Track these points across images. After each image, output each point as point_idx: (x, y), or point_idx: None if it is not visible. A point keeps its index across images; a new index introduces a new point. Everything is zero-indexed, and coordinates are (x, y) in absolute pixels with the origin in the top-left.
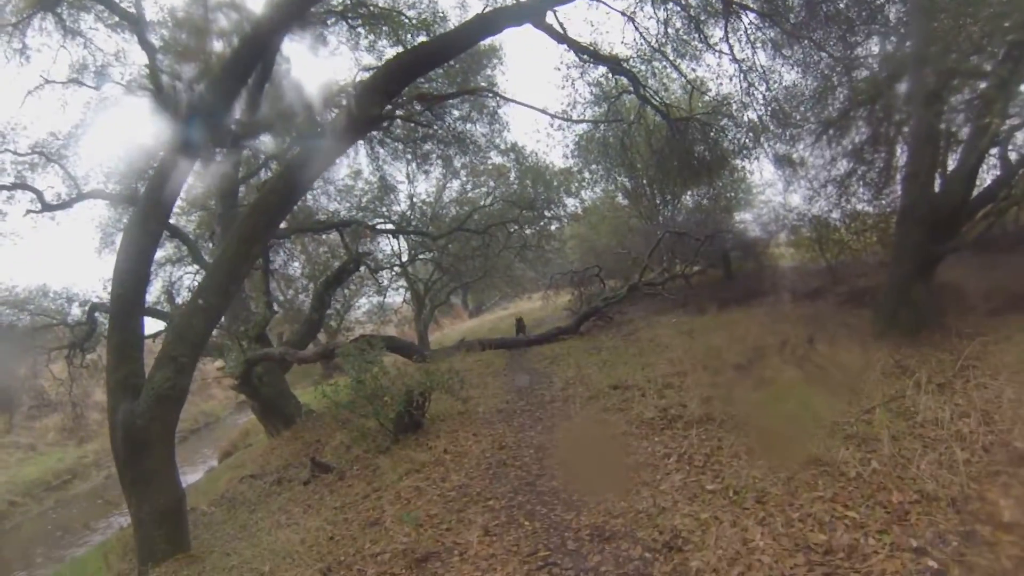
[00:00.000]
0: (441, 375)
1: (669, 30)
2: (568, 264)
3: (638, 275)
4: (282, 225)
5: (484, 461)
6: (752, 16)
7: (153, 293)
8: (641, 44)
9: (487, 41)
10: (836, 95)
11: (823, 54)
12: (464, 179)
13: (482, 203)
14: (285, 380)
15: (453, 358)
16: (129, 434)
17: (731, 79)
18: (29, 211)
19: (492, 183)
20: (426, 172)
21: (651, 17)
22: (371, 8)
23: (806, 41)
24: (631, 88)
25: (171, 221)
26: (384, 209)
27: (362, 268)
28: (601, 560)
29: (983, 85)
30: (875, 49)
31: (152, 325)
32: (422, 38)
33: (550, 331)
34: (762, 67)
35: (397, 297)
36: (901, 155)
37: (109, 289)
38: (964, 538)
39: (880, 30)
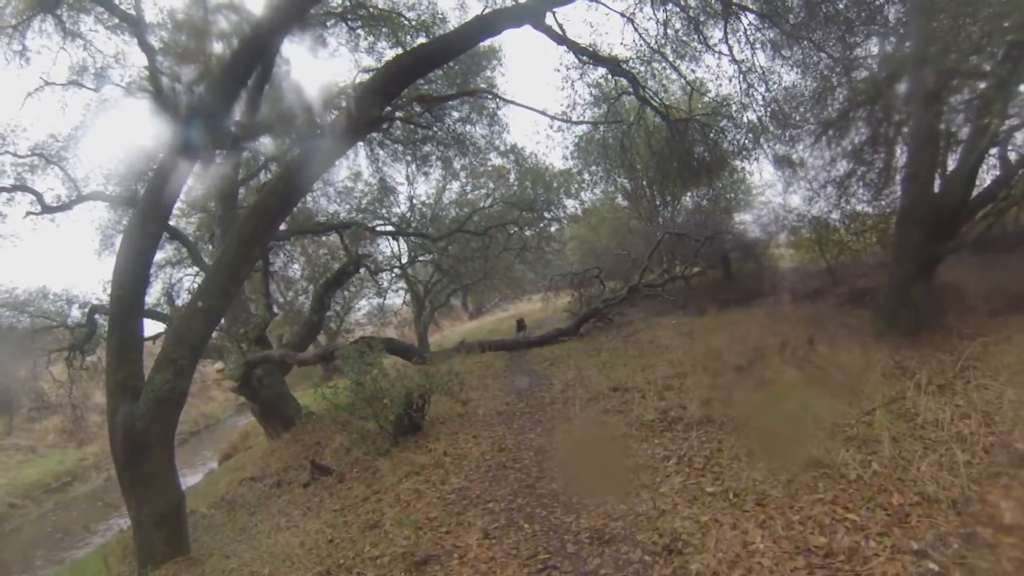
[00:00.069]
0: (441, 377)
1: (668, 31)
2: (568, 265)
3: (638, 276)
4: (282, 227)
5: (484, 463)
6: (751, 17)
7: (153, 295)
8: (640, 45)
9: (487, 42)
10: (836, 96)
11: (822, 55)
12: (464, 181)
13: (482, 205)
14: (285, 382)
15: (453, 360)
16: (129, 436)
17: (730, 80)
18: (29, 213)
19: (492, 185)
20: (426, 174)
21: (650, 18)
22: (370, 10)
23: (805, 42)
24: (631, 89)
25: (171, 223)
26: (384, 211)
27: (362, 270)
28: (601, 563)
29: (982, 85)
30: (874, 49)
31: (152, 327)
32: (421, 40)
33: (550, 333)
34: (761, 68)
35: (397, 299)
36: (901, 155)
37: (109, 291)
38: (965, 540)
39: (879, 30)
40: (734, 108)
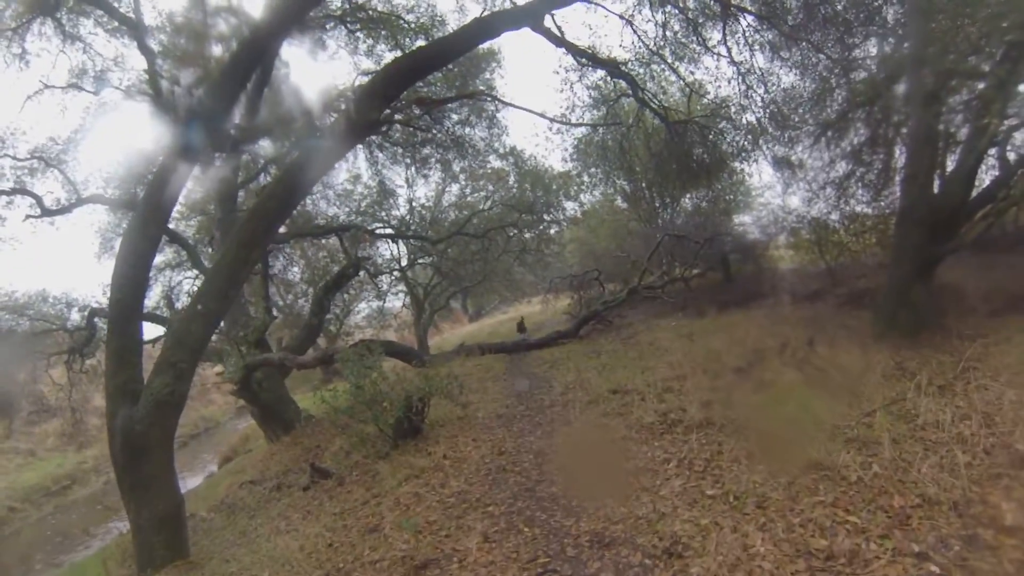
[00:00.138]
0: (440, 380)
1: (667, 33)
2: (567, 268)
3: (637, 278)
4: (281, 230)
5: (483, 467)
6: (750, 18)
7: (153, 298)
8: (639, 47)
9: (486, 45)
10: (834, 97)
11: (821, 56)
12: (463, 183)
13: (481, 207)
14: (284, 385)
15: (452, 363)
16: (128, 440)
17: (729, 81)
18: (28, 216)
19: (491, 187)
20: (425, 176)
21: (649, 20)
22: (370, 12)
23: (804, 43)
24: (630, 91)
25: (170, 226)
26: (383, 213)
27: (361, 273)
28: (601, 567)
29: (981, 86)
30: (873, 50)
31: (152, 330)
32: (421, 42)
33: (550, 335)
34: (760, 69)
35: (396, 302)
36: (900, 156)
37: (108, 294)
38: (966, 542)
39: (878, 31)
40: (733, 110)
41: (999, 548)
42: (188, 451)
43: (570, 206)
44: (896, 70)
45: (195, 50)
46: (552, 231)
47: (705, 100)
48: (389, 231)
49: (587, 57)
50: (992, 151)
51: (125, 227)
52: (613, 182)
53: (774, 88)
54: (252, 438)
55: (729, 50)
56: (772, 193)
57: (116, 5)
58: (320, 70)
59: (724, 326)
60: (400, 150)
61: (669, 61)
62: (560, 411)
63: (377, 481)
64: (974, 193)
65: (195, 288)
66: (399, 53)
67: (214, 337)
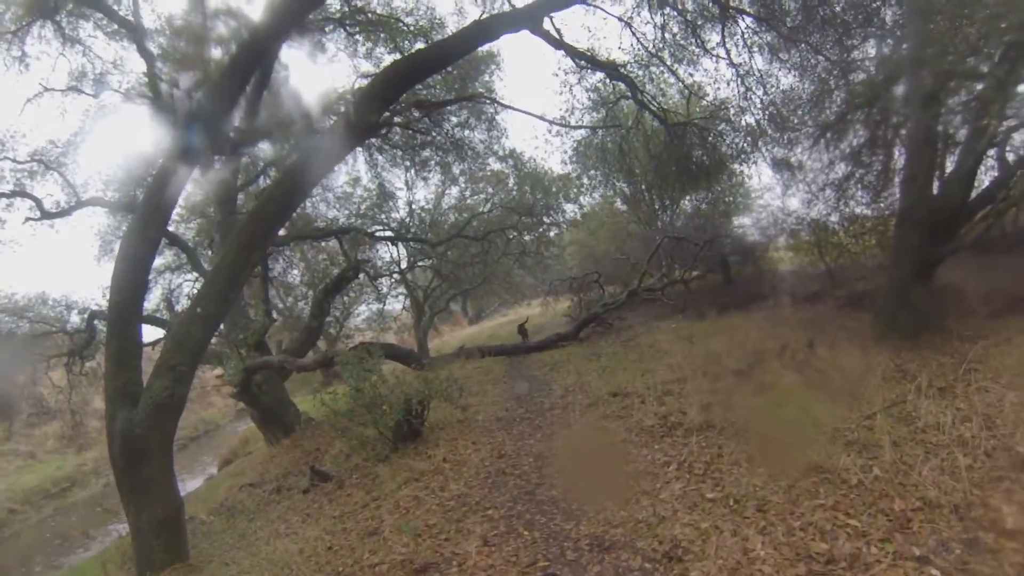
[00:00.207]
0: (440, 383)
1: (666, 35)
2: (567, 270)
3: (637, 281)
4: (281, 232)
5: (483, 470)
6: (749, 20)
7: (152, 301)
8: (638, 49)
9: (485, 47)
10: (833, 98)
11: (820, 57)
12: (463, 186)
13: (481, 210)
14: (284, 388)
15: (452, 365)
16: (127, 443)
17: (728, 83)
18: (28, 219)
19: (491, 189)
20: (425, 179)
21: (648, 22)
22: (369, 15)
23: (803, 45)
24: (629, 93)
25: (170, 228)
26: (383, 216)
27: (361, 275)
28: (601, 570)
29: (980, 87)
30: (872, 52)
31: (152, 333)
32: (420, 45)
33: (549, 337)
34: (759, 71)
35: (396, 304)
36: (899, 158)
37: (108, 297)
38: (967, 546)
39: (877, 33)
40: (732, 111)
41: (1000, 551)
42: (188, 453)
43: (570, 208)
44: (895, 71)
45: (194, 53)
46: (552, 233)
47: (704, 102)
48: (389, 234)
49: (586, 59)
50: (991, 152)
51: (124, 230)
52: (613, 184)
53: (773, 90)
54: (252, 441)
55: (728, 52)
56: (771, 195)
57: (115, 8)
58: (319, 73)
59: (724, 328)
60: (400, 153)
61: (668, 63)
62: (560, 414)
63: (377, 484)
64: (973, 194)
65: (195, 291)
66: (398, 56)
67: (214, 340)
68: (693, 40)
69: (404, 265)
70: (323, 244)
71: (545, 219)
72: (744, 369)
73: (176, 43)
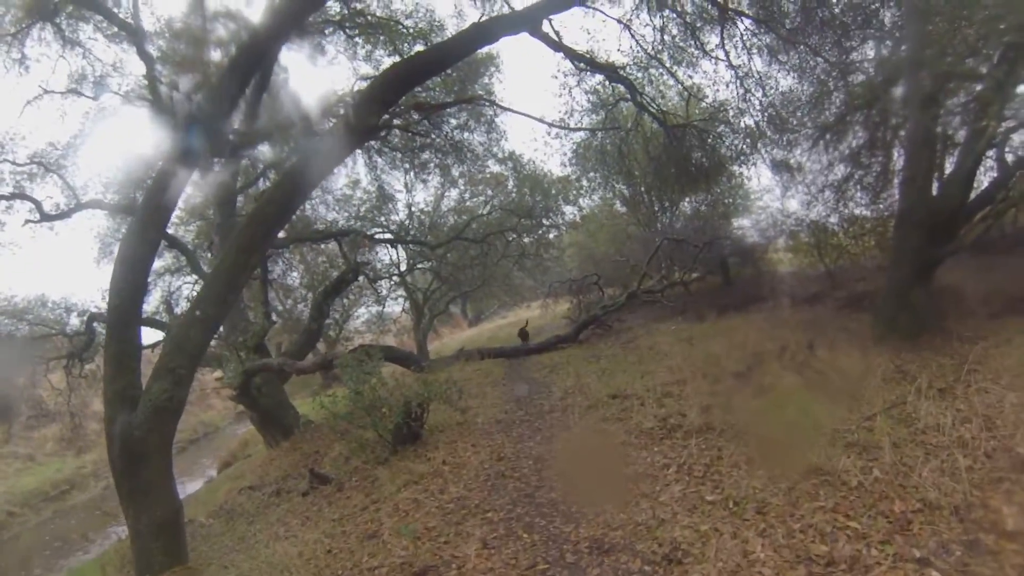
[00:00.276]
0: (439, 385)
1: (665, 37)
2: (567, 272)
3: (637, 283)
4: (280, 235)
5: (483, 472)
6: (748, 22)
7: (152, 303)
8: (637, 51)
9: (484, 50)
10: (832, 100)
11: (819, 59)
12: (462, 188)
13: (480, 212)
14: (284, 391)
15: (452, 368)
16: (126, 446)
17: (727, 85)
18: (28, 221)
19: (490, 192)
20: (424, 181)
21: (647, 24)
22: (368, 18)
23: (802, 46)
24: (628, 95)
25: (170, 231)
26: (382, 218)
27: (361, 278)
28: (600, 573)
29: (979, 88)
30: (871, 53)
31: (151, 335)
32: (419, 47)
33: (549, 340)
34: (758, 73)
35: (396, 307)
36: (898, 159)
37: (107, 299)
38: (967, 547)
39: (875, 34)
40: (731, 113)
41: (1000, 553)
42: (187, 456)
43: (569, 210)
44: (894, 73)
45: (194, 55)
46: (551, 235)
47: (703, 104)
48: (388, 236)
49: (585, 61)
50: (990, 153)
51: (124, 232)
52: (612, 186)
53: (772, 91)
54: (251, 443)
55: (727, 54)
56: (771, 196)
57: (115, 11)
58: (319, 75)
59: (724, 330)
60: (399, 155)
61: (667, 65)
62: (559, 416)
63: (376, 487)
64: (973, 195)
65: (194, 293)
66: (398, 58)
67: (213, 342)
68: (692, 42)
69: (404, 267)
70: (322, 246)
71: (544, 221)
72: (744, 371)
73: (176, 45)
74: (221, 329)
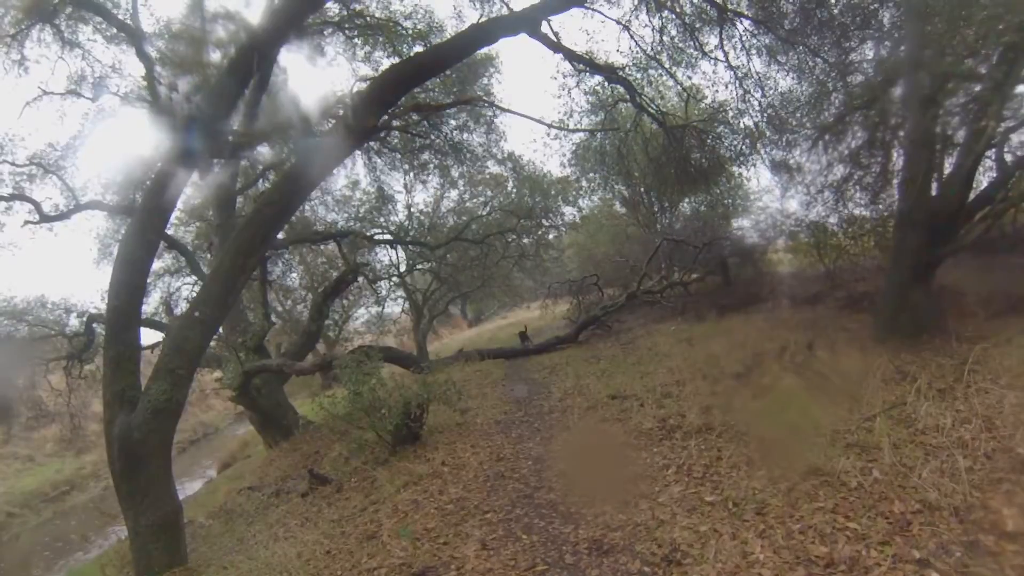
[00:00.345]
0: (439, 386)
1: (664, 38)
2: (566, 273)
3: (636, 283)
4: (280, 236)
5: (482, 473)
6: (747, 23)
7: (151, 304)
8: (637, 52)
9: (483, 50)
10: (831, 100)
11: (818, 60)
12: (462, 189)
13: (480, 213)
14: (283, 391)
15: (451, 368)
16: (125, 447)
17: (727, 86)
18: (27, 222)
19: (490, 192)
20: (424, 182)
21: (646, 25)
22: (368, 19)
23: (801, 47)
24: (627, 96)
25: (169, 232)
26: (382, 219)
27: (360, 278)
28: (599, 574)
29: (978, 88)
30: (870, 54)
31: (151, 336)
32: (418, 48)
33: (549, 340)
34: (757, 73)
35: (395, 307)
36: (898, 159)
37: (106, 300)
38: (967, 548)
39: (874, 35)
40: (731, 114)
41: (1000, 554)
42: (187, 457)
43: (569, 211)
44: (893, 73)
45: (193, 56)
46: (551, 236)
47: (703, 104)
48: (388, 237)
49: (584, 62)
50: (990, 153)
51: (123, 233)
52: (611, 187)
53: (771, 92)
54: (251, 444)
55: (726, 54)
56: (770, 197)
57: (114, 12)
58: (318, 76)
59: (723, 330)
60: (398, 156)
61: (666, 66)
62: (559, 417)
63: (375, 488)
64: (972, 195)
65: (194, 294)
66: (397, 59)
67: (213, 343)
68: (691, 43)
69: (403, 268)
70: (322, 247)
71: (544, 222)
72: (743, 371)
73: (175, 46)
74: (220, 330)
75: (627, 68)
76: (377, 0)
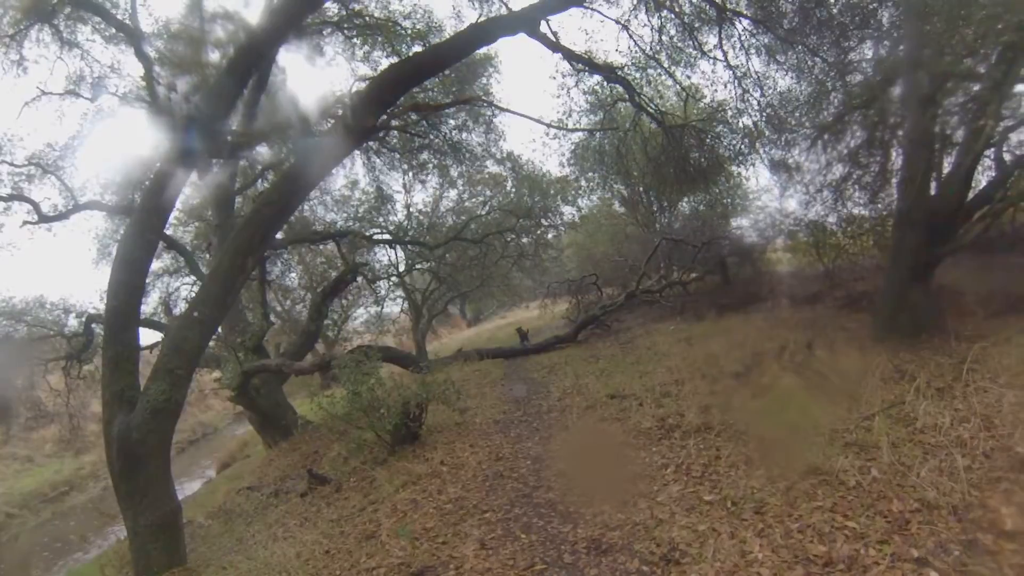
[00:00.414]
0: (438, 386)
1: (663, 38)
2: (565, 272)
3: (635, 283)
4: (279, 236)
5: (481, 473)
6: (746, 23)
7: (150, 304)
8: (635, 52)
9: (482, 50)
10: (830, 100)
11: (817, 59)
12: (461, 188)
13: (479, 212)
14: (282, 391)
15: (450, 368)
16: (124, 447)
17: (726, 86)
18: (26, 222)
19: (489, 192)
20: (423, 182)
21: (645, 25)
22: (367, 19)
23: (800, 47)
24: (626, 96)
25: (168, 232)
26: (381, 219)
27: (359, 278)
28: (598, 573)
29: (977, 87)
30: (869, 53)
31: (149, 336)
32: (417, 48)
33: (548, 340)
34: (756, 73)
35: (395, 307)
36: (897, 159)
37: (105, 300)
38: (966, 547)
39: (873, 34)
40: (730, 113)
41: (999, 553)
42: (186, 457)
43: (568, 211)
44: (892, 73)
45: (192, 56)
46: (550, 236)
47: (702, 104)
48: (387, 236)
49: (583, 62)
50: (988, 152)
51: (122, 233)
52: (610, 187)
53: (770, 91)
54: (250, 444)
55: (725, 54)
56: (769, 196)
57: (113, 12)
58: (317, 76)
59: (722, 330)
60: (397, 155)
61: (665, 65)
62: (558, 416)
63: (374, 488)
64: (971, 195)
65: (192, 294)
66: (396, 59)
67: (212, 343)
68: (690, 42)
69: (402, 268)
70: (321, 247)
71: (543, 221)
72: (742, 371)
73: (174, 47)
74: (219, 330)
75: (626, 67)
76: (376, 0)
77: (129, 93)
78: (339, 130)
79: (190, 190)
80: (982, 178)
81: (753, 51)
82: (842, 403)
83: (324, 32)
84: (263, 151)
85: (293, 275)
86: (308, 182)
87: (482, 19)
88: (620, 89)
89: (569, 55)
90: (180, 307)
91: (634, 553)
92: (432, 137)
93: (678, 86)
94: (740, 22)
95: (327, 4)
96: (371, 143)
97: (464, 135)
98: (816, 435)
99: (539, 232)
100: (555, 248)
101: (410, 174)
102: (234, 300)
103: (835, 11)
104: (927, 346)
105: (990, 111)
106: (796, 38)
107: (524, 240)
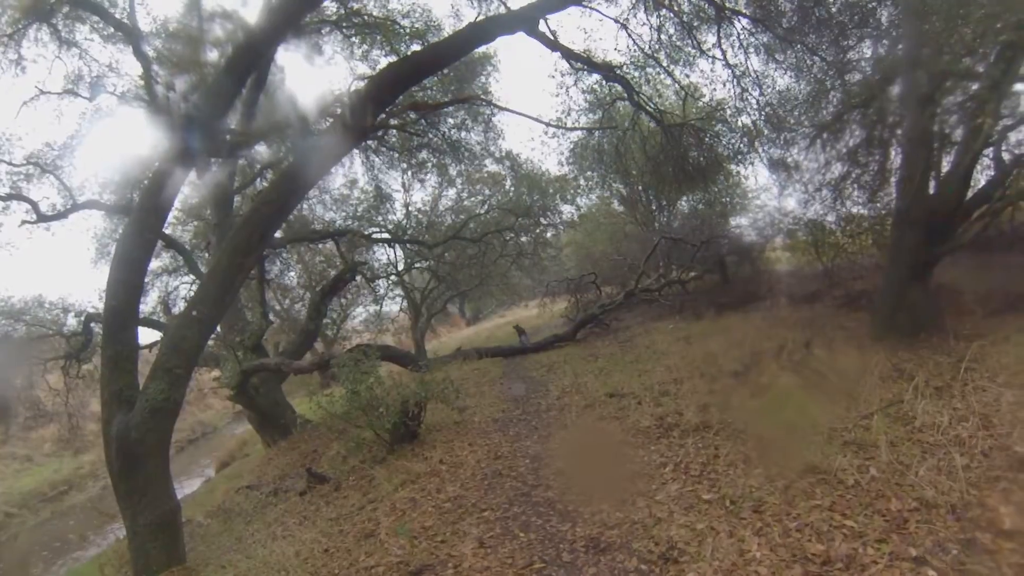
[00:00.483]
0: (437, 385)
1: (662, 36)
2: (564, 271)
3: (634, 281)
4: (278, 234)
5: (479, 471)
6: (745, 21)
7: (149, 303)
8: (634, 51)
9: (481, 49)
10: (829, 99)
11: (816, 58)
12: (460, 187)
13: (478, 211)
14: (281, 390)
15: (449, 367)
16: (123, 446)
17: (724, 84)
18: (24, 222)
19: (488, 191)
20: (421, 181)
21: (644, 24)
22: (365, 17)
23: (799, 46)
24: (625, 95)
25: (167, 231)
26: (380, 218)
27: (358, 277)
28: (596, 572)
29: (976, 86)
30: (868, 52)
31: (148, 336)
32: (416, 47)
33: (547, 339)
34: (755, 72)
35: (394, 306)
36: (895, 157)
37: (104, 300)
38: (964, 546)
39: (872, 33)
40: (728, 112)
41: (997, 552)
42: (185, 456)
43: (567, 210)
44: (891, 72)
45: (190, 55)
46: (549, 235)
47: (700, 103)
48: (386, 235)
49: (582, 61)
50: (987, 151)
51: (121, 232)
52: (609, 185)
53: (769, 90)
54: (249, 443)
55: (724, 53)
56: (768, 195)
57: (111, 11)
58: (316, 75)
59: (721, 329)
60: (396, 154)
61: (664, 64)
62: (556, 415)
63: (373, 486)
64: (970, 194)
65: (191, 293)
66: (394, 58)
67: (211, 342)
68: (689, 41)
69: (401, 267)
70: (320, 246)
71: (542, 220)
72: (741, 370)
73: (172, 46)
74: (218, 329)
75: (625, 66)
76: None
77: (127, 92)
78: (338, 129)
79: (189, 189)
80: (981, 177)
81: (752, 50)
82: (841, 402)
83: (323, 31)
84: (262, 150)
85: (292, 274)
86: (307, 181)
87: (481, 18)
88: (619, 88)
89: (568, 54)
90: (179, 306)
91: (632, 552)
92: (431, 136)
93: (677, 85)
94: (739, 21)
95: (326, 3)
96: (370, 142)
97: (463, 134)
98: (815, 434)
99: (538, 231)
100: (554, 247)
101: (409, 173)
102: (233, 299)
103: (834, 10)
104: (926, 345)
105: (989, 110)
106: (795, 37)
107: (523, 239)
